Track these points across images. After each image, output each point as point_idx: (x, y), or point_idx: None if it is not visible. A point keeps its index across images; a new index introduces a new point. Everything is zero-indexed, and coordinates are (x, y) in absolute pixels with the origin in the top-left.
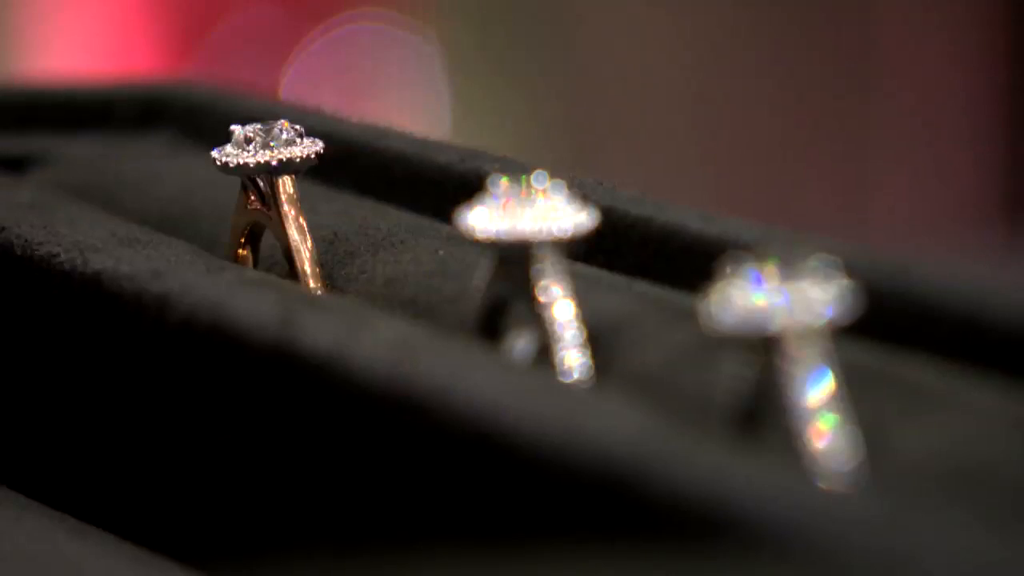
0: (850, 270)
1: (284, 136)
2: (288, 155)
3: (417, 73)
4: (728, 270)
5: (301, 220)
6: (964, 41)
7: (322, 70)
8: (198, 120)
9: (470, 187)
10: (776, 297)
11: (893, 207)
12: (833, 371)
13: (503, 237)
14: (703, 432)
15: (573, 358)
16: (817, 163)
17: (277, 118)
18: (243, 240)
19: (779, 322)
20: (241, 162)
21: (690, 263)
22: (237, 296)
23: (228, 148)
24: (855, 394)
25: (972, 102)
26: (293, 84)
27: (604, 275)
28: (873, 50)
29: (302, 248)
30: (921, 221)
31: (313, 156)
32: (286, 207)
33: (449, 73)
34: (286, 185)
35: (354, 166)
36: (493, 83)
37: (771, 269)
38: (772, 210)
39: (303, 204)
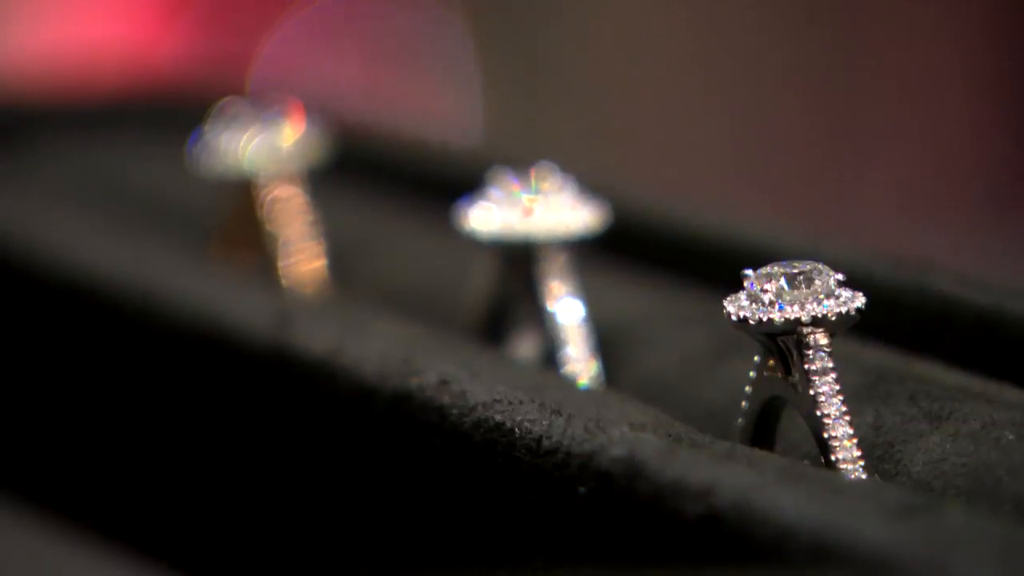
0: (868, 273)
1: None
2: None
3: (445, 48)
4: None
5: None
6: (959, 35)
7: (344, 40)
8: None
9: (476, 184)
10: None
11: (887, 202)
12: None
13: (508, 236)
14: (714, 437)
15: (581, 361)
16: (815, 158)
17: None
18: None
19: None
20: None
21: (702, 262)
22: (233, 299)
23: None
24: (874, 397)
25: (967, 95)
26: (314, 52)
27: (613, 275)
28: (867, 46)
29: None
30: (913, 215)
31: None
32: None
33: (477, 48)
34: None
35: (366, 168)
36: (520, 63)
37: None
38: (777, 207)
39: (314, 205)
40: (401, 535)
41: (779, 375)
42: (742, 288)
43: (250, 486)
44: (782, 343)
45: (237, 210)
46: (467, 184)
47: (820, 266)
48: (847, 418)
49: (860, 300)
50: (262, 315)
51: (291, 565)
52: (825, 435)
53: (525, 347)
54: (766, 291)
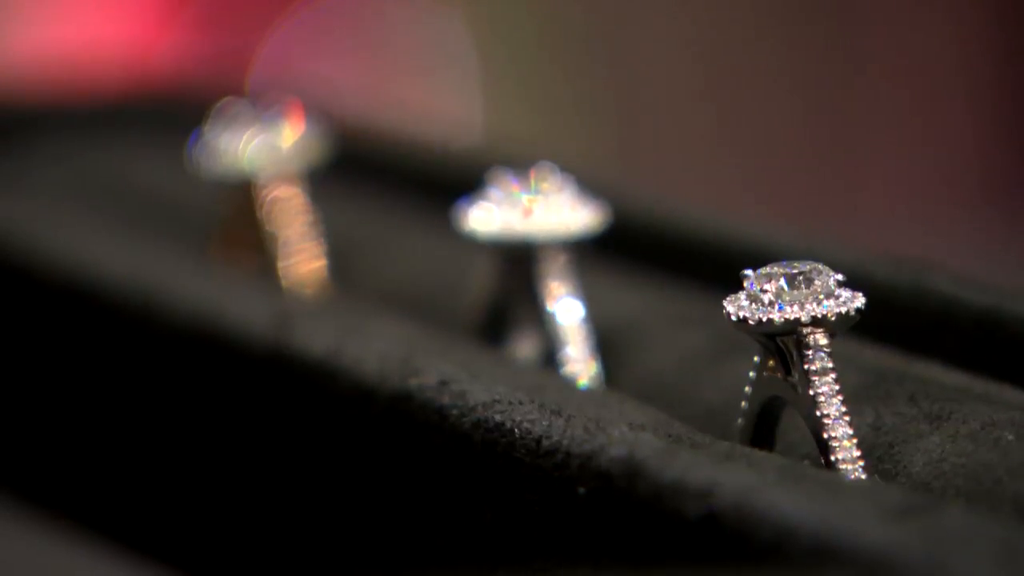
0: (867, 274)
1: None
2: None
3: (445, 48)
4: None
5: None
6: (959, 35)
7: (340, 41)
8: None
9: (476, 184)
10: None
11: (886, 202)
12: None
13: (508, 236)
14: (713, 437)
15: (580, 361)
16: (815, 158)
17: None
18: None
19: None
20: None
21: (702, 262)
22: (232, 299)
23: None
24: (874, 397)
25: (967, 95)
26: (313, 53)
27: (613, 275)
28: (866, 45)
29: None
30: (913, 215)
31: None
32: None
33: (478, 47)
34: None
35: (366, 168)
36: (521, 61)
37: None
38: (777, 207)
39: (314, 205)
40: (401, 535)
41: (779, 375)
42: (742, 288)
43: (250, 487)
44: (782, 343)
45: (237, 210)
46: (467, 184)
47: (820, 266)
48: (847, 418)
49: (860, 300)
50: (262, 315)
51: (291, 565)
52: (825, 435)
53: (525, 347)
54: (766, 291)
